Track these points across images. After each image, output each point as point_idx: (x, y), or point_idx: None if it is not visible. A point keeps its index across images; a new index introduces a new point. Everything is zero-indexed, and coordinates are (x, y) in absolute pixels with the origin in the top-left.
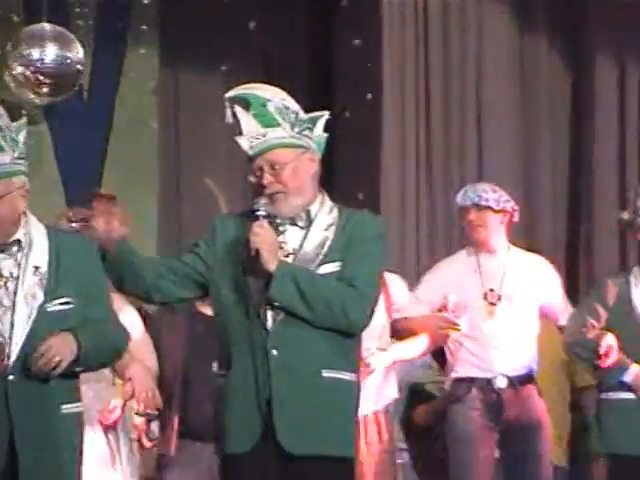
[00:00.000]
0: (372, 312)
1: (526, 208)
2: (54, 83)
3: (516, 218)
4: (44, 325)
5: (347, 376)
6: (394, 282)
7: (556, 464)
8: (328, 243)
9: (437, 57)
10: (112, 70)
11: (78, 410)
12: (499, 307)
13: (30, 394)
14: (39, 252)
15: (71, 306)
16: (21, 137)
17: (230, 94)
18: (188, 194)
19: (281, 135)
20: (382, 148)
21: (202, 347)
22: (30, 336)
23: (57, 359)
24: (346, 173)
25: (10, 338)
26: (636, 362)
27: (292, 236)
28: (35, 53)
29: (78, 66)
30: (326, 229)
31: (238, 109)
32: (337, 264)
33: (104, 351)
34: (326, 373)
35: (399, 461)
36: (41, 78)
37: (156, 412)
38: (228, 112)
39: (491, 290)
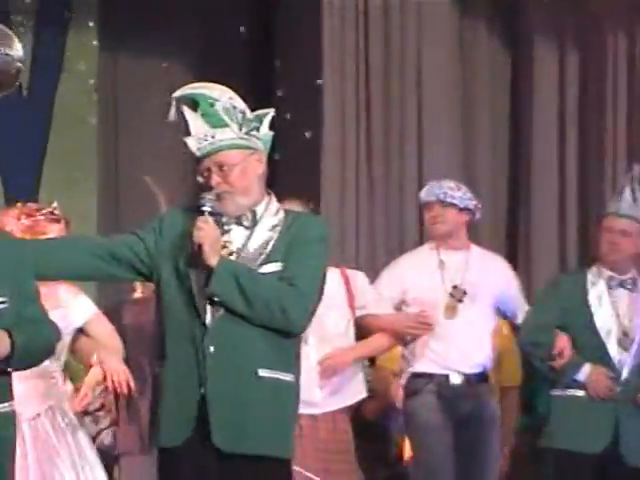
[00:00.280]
0: (313, 313)
1: None
2: None
3: (478, 216)
4: None
5: (285, 376)
6: (357, 278)
7: None
8: (272, 243)
9: (377, 55)
10: (52, 67)
11: (7, 409)
12: (461, 305)
13: None
14: None
15: (5, 305)
16: None
17: (177, 93)
18: (127, 192)
19: (229, 136)
20: (322, 147)
21: None
22: None
23: None
24: (286, 172)
25: None
26: (590, 360)
27: (237, 235)
28: None
29: (18, 64)
30: (271, 230)
31: (185, 109)
32: (279, 264)
33: (38, 350)
34: (263, 373)
35: None
36: None
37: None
38: (172, 110)
39: (455, 287)
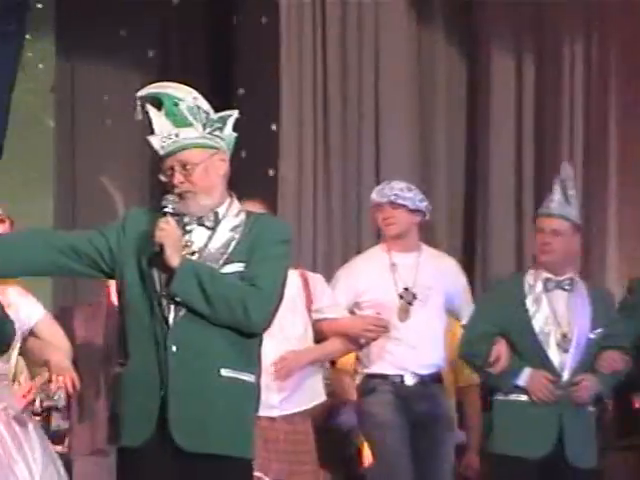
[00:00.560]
0: (274, 313)
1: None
2: None
3: (428, 217)
4: None
5: (246, 377)
6: (316, 281)
7: None
8: (233, 244)
9: (335, 55)
10: (8, 68)
11: None
12: (413, 307)
13: None
14: None
15: None
16: None
17: (142, 92)
18: (84, 193)
19: (193, 135)
20: (279, 148)
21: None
22: None
23: None
24: (243, 174)
25: None
26: (531, 364)
27: (198, 235)
28: None
29: None
30: (232, 230)
31: (150, 108)
32: (241, 264)
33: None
34: (225, 372)
35: None
36: None
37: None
38: (138, 109)
39: (406, 289)
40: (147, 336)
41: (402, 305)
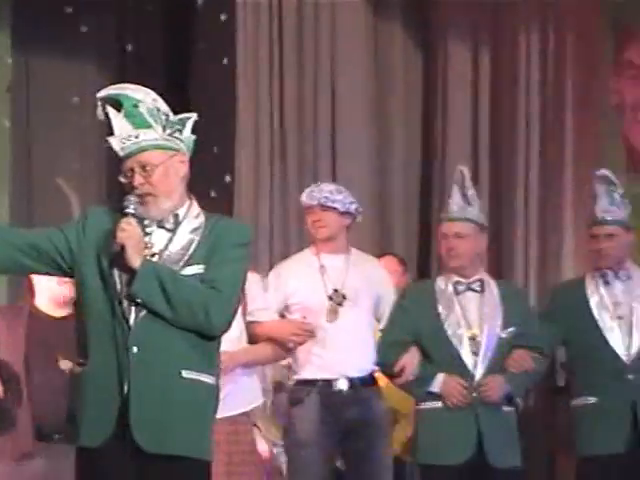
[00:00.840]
0: (233, 315)
1: (379, 203)
2: None
3: (359, 219)
4: None
5: (207, 378)
6: (251, 282)
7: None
8: (193, 246)
9: (291, 55)
10: None
11: None
12: (342, 308)
13: None
14: None
15: None
16: None
17: (101, 94)
18: (40, 194)
19: (153, 137)
20: (236, 147)
21: (43, 346)
22: None
23: None
24: (199, 174)
25: None
26: (446, 369)
27: (158, 237)
28: None
29: None
30: (192, 232)
31: (109, 109)
32: (201, 266)
33: None
34: (186, 374)
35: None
36: None
37: None
38: (99, 110)
39: (335, 290)
40: (107, 337)
41: (331, 306)
